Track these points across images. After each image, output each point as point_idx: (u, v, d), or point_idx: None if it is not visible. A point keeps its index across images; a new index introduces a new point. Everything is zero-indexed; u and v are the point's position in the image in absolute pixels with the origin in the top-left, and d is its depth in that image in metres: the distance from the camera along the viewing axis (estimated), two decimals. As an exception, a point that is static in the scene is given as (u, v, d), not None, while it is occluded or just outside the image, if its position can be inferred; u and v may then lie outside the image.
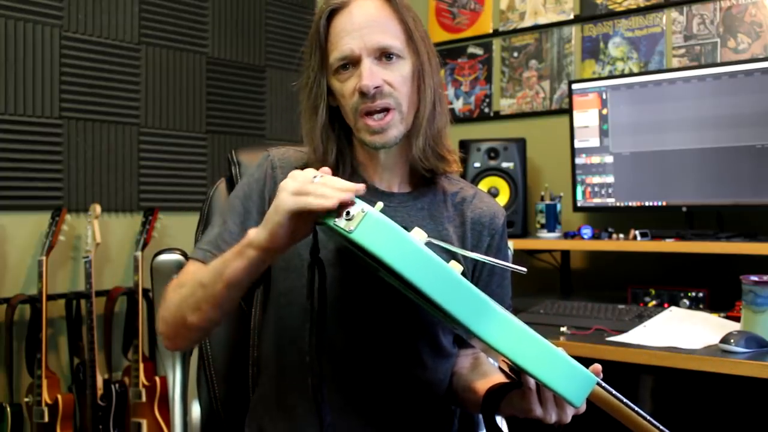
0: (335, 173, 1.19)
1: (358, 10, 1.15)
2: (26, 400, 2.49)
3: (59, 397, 2.46)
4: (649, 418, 0.96)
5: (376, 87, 1.12)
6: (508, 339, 0.90)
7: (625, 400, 0.96)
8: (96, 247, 2.56)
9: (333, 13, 1.16)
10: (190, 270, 1.14)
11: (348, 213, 0.91)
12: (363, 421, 1.15)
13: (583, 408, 0.95)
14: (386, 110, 1.14)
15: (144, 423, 2.59)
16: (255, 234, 0.99)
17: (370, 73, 1.12)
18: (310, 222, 0.97)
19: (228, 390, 1.37)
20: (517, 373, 1.01)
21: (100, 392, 2.55)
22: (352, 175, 1.21)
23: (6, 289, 2.51)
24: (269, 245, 0.98)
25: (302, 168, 1.20)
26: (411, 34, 1.16)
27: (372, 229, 0.90)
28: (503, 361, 1.01)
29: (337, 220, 0.92)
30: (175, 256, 1.42)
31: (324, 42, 1.16)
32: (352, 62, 1.14)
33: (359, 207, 0.92)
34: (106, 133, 2.74)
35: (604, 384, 0.95)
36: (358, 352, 1.14)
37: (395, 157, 1.22)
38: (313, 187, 0.94)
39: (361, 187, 0.95)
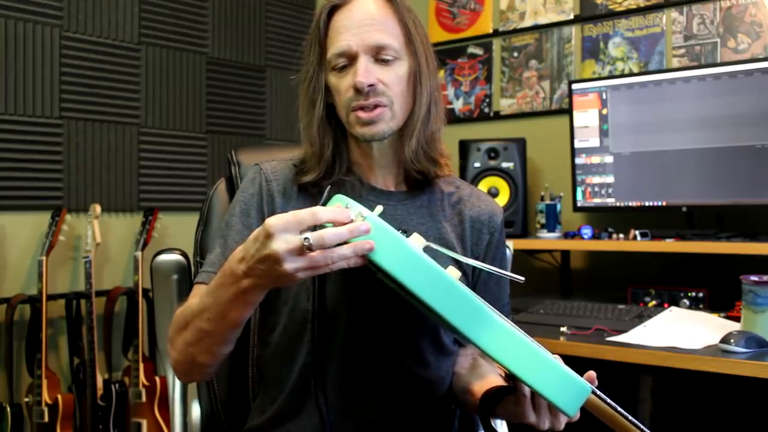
0: (332, 169, 1.19)
1: (358, 8, 1.15)
2: (26, 400, 2.49)
3: (59, 397, 2.46)
4: (643, 428, 0.95)
5: (370, 85, 1.13)
6: (503, 347, 0.90)
7: (619, 409, 0.96)
8: (96, 247, 2.56)
9: (334, 9, 1.17)
10: (193, 303, 1.11)
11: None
12: (365, 419, 1.15)
13: (576, 416, 0.95)
14: (377, 106, 1.14)
15: (144, 423, 2.59)
16: (251, 282, 0.96)
17: (366, 71, 1.13)
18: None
19: (228, 390, 1.37)
20: (512, 379, 1.01)
21: (100, 392, 2.55)
22: (348, 173, 1.21)
23: (6, 289, 2.51)
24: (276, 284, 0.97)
25: (295, 176, 1.20)
26: (410, 35, 1.17)
27: (371, 234, 0.89)
28: (499, 367, 1.01)
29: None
30: (175, 256, 1.42)
31: (323, 38, 1.17)
32: (349, 59, 1.15)
33: (359, 211, 0.90)
34: (106, 133, 2.74)
35: (599, 393, 0.95)
36: (360, 351, 1.14)
37: (389, 157, 1.22)
38: (322, 258, 0.89)
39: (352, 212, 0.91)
